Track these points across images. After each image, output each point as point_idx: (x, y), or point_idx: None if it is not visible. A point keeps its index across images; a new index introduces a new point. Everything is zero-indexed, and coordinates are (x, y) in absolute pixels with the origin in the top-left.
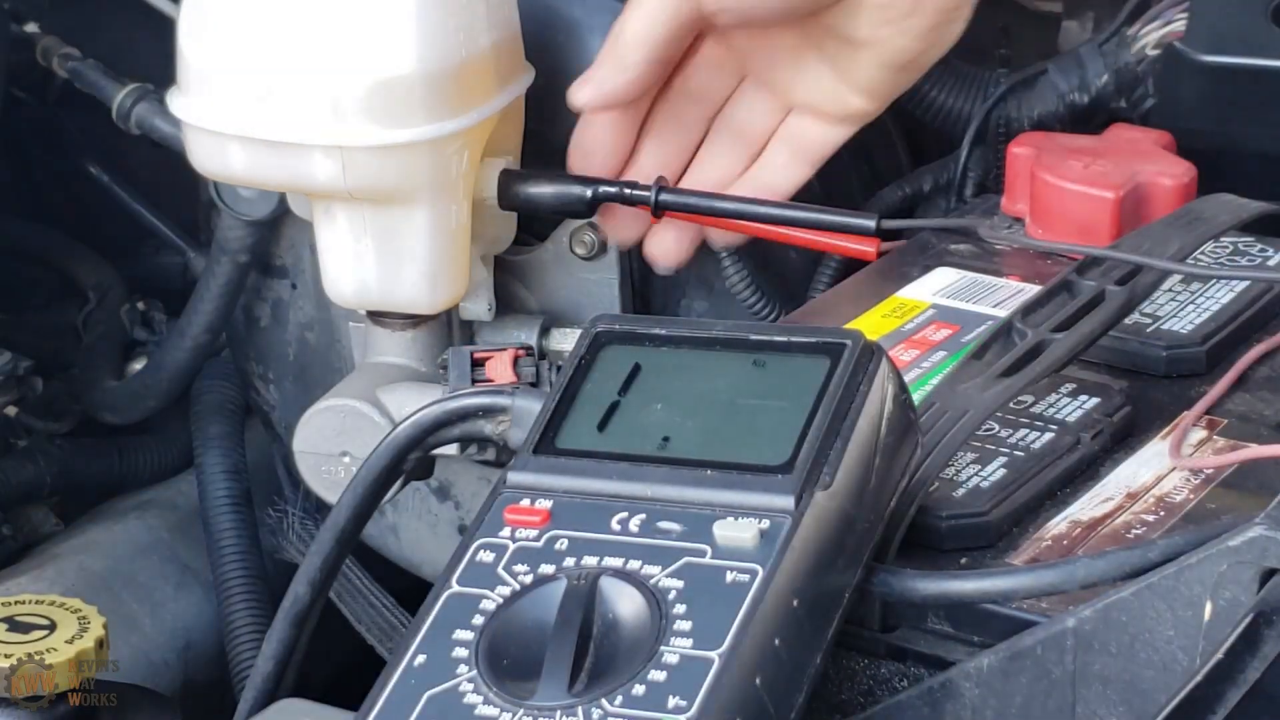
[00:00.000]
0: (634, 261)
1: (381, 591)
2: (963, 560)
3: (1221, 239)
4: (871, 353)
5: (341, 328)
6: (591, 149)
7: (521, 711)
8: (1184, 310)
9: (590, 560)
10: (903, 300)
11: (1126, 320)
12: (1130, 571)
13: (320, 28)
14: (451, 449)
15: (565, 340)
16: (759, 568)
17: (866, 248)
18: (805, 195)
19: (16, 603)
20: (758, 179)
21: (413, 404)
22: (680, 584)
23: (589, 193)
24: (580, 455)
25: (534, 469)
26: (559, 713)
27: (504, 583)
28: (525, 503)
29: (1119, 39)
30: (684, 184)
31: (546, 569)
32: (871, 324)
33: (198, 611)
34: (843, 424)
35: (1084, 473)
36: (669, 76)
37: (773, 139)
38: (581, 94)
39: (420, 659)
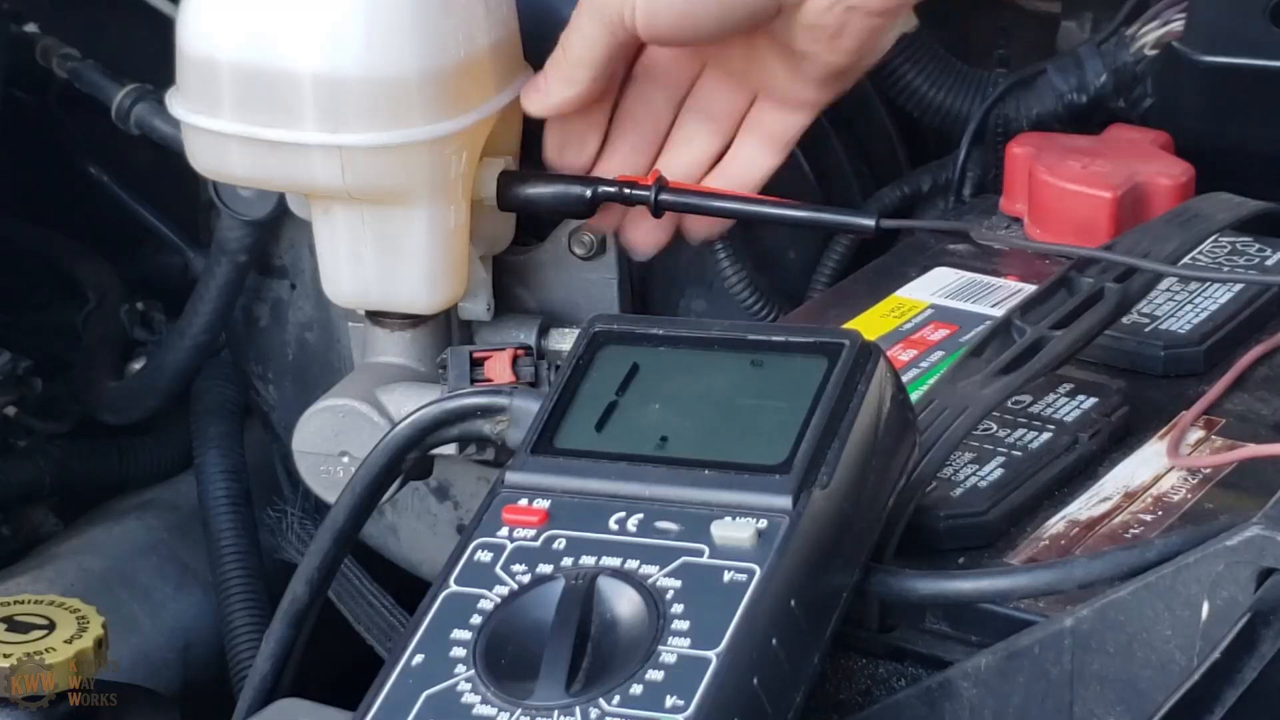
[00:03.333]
0: (632, 261)
1: (380, 591)
2: (960, 560)
3: (1219, 238)
4: (869, 353)
5: (341, 328)
6: (563, 140)
7: (519, 711)
8: (1182, 310)
9: (588, 560)
10: (901, 300)
11: (1125, 320)
12: (1128, 571)
13: (319, 28)
14: (450, 449)
15: (564, 340)
16: (757, 567)
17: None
18: (804, 194)
19: (16, 603)
20: (730, 169)
21: (411, 404)
22: (678, 584)
23: (588, 193)
24: (578, 455)
25: (532, 469)
26: (557, 712)
27: (502, 582)
28: (523, 502)
29: (1117, 39)
30: (659, 167)
31: (544, 569)
32: (870, 324)
33: (197, 611)
34: (840, 424)
35: (1082, 472)
36: (633, 63)
37: (741, 128)
38: (531, 103)
39: (418, 658)
